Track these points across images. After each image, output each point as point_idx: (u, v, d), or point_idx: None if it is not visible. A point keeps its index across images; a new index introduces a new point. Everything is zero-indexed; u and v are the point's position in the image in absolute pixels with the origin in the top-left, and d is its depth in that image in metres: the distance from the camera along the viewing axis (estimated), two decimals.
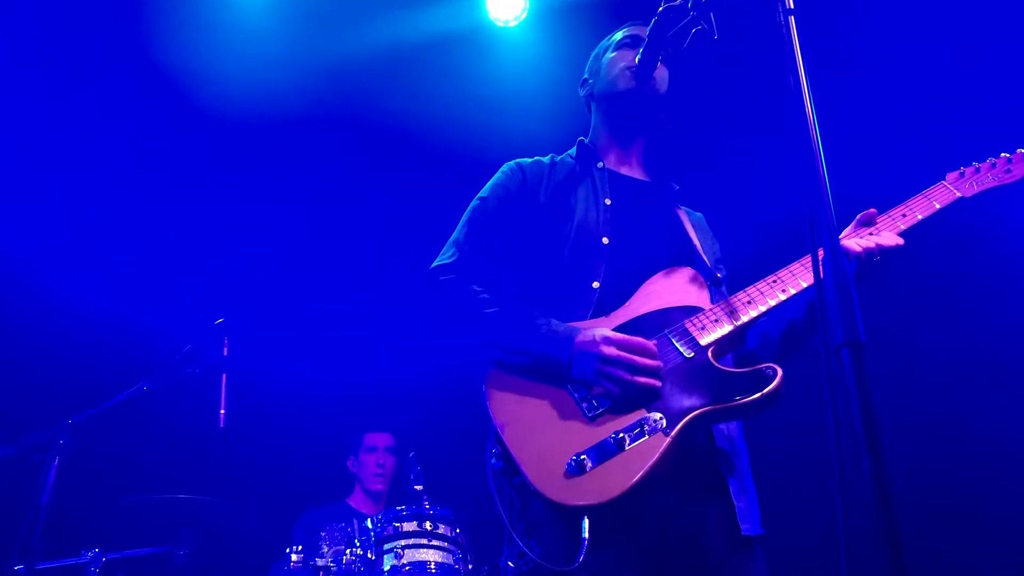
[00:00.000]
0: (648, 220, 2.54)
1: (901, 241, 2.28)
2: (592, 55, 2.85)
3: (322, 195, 5.68)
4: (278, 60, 5.08)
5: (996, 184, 2.44)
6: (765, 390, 2.05)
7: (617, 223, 2.48)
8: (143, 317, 5.14)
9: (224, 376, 3.54)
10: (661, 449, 2.01)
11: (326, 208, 5.69)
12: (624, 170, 2.67)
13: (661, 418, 2.06)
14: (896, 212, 2.38)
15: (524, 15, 5.15)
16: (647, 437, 2.03)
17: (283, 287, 5.60)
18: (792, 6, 1.72)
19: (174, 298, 5.27)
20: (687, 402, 2.09)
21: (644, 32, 2.62)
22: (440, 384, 5.10)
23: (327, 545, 4.45)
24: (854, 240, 2.28)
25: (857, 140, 4.50)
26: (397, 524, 3.92)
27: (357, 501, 5.14)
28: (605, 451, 2.02)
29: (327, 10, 4.99)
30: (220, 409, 3.47)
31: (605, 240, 2.42)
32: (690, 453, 2.10)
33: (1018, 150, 2.48)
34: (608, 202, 2.52)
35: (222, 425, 3.45)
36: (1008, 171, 2.46)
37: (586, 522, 1.94)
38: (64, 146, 5.15)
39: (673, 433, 2.04)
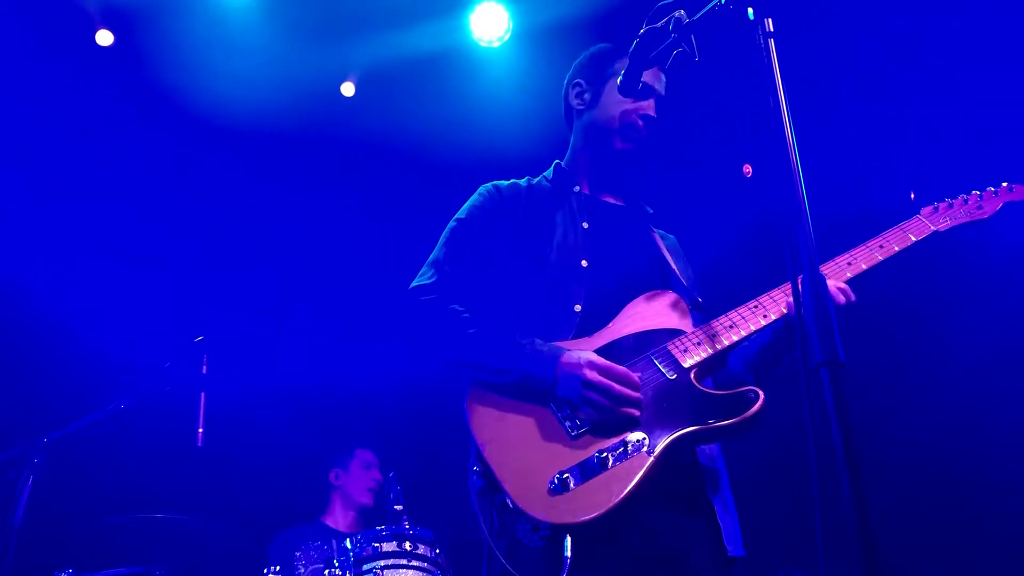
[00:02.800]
0: (625, 244, 2.56)
1: (844, 300, 2.30)
2: (591, 56, 2.75)
3: (304, 212, 5.67)
4: (262, 78, 5.08)
5: (967, 220, 2.55)
6: (747, 413, 2.07)
7: (595, 246, 2.49)
8: (121, 334, 5.10)
9: (203, 395, 3.51)
10: (644, 469, 2.01)
11: (308, 225, 5.69)
12: (601, 195, 2.69)
13: (644, 438, 2.07)
14: (874, 243, 2.45)
15: (507, 36, 5.18)
16: (630, 457, 2.04)
17: (261, 305, 5.57)
18: (772, 29, 1.74)
19: (152, 315, 5.22)
20: (670, 423, 2.10)
21: (656, 81, 2.60)
22: (420, 403, 5.09)
23: (303, 565, 4.41)
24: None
25: (837, 160, 4.55)
26: (376, 544, 3.88)
27: (334, 519, 5.04)
28: (588, 470, 2.02)
29: (314, 28, 5.00)
30: (198, 428, 3.44)
31: (584, 263, 2.44)
32: (675, 472, 2.11)
33: (988, 188, 2.59)
34: (585, 226, 2.54)
35: (200, 444, 3.42)
36: (979, 207, 2.56)
37: (568, 540, 1.93)
38: (40, 163, 5.12)
39: (656, 453, 2.04)
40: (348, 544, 3.96)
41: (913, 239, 2.46)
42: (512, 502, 2.01)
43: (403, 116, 5.32)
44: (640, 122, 2.59)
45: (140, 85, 5.06)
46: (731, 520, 2.21)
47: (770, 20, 1.74)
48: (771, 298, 2.34)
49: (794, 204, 1.58)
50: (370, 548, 3.88)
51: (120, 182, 5.27)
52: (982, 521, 4.46)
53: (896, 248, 2.44)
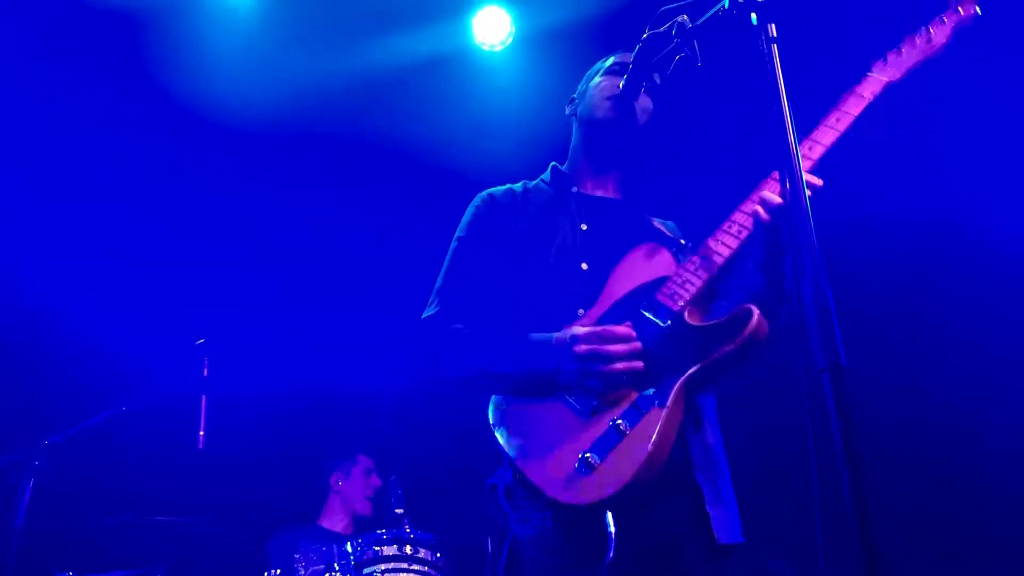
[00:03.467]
0: (623, 239, 2.55)
1: (818, 183, 2.19)
2: (585, 76, 2.85)
3: (306, 216, 5.67)
4: (262, 81, 5.08)
5: (922, 58, 2.35)
6: (745, 331, 2.05)
7: (594, 248, 2.50)
8: (122, 337, 5.10)
9: (204, 398, 3.52)
10: (660, 422, 2.02)
11: (309, 229, 5.69)
12: (599, 192, 2.69)
13: (653, 393, 2.08)
14: (830, 118, 2.29)
15: (509, 40, 5.19)
16: (645, 415, 2.05)
17: (263, 308, 5.57)
18: (775, 35, 1.75)
19: (154, 318, 5.23)
20: (674, 369, 2.10)
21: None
22: (422, 407, 5.09)
23: (303, 567, 4.41)
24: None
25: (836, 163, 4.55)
26: (377, 548, 3.89)
27: (331, 521, 5.01)
28: (608, 442, 2.04)
29: (316, 32, 5.00)
30: (199, 431, 3.44)
31: (584, 266, 2.45)
32: (665, 465, 2.10)
33: (935, 18, 2.37)
34: (584, 227, 2.55)
35: (201, 447, 3.43)
36: (929, 41, 2.36)
37: (609, 516, 1.96)
38: (40, 166, 5.12)
39: (668, 403, 2.05)
40: (349, 547, 3.96)
41: (868, 98, 2.30)
42: (549, 498, 2.03)
43: (405, 120, 5.32)
44: (616, 90, 2.57)
45: (141, 88, 5.05)
46: (725, 509, 2.21)
47: (773, 26, 1.75)
48: (741, 211, 2.28)
49: (797, 208, 1.59)
50: (371, 551, 3.88)
51: (120, 184, 5.27)
52: (984, 523, 4.46)
53: (853, 114, 2.28)
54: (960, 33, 2.34)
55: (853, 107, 2.29)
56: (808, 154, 2.23)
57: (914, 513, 4.43)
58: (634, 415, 2.06)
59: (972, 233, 4.56)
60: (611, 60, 2.76)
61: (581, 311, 2.35)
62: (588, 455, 2.02)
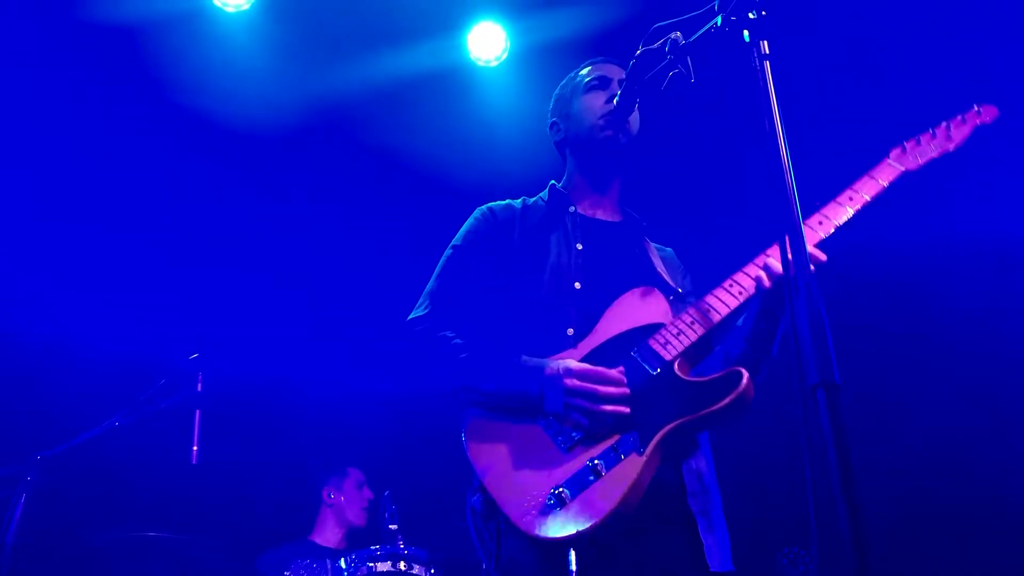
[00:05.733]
0: (618, 263, 2.56)
1: (822, 259, 2.22)
2: (555, 96, 2.84)
3: (300, 229, 5.67)
4: (257, 97, 5.09)
5: (940, 153, 2.41)
6: (732, 394, 2.05)
7: (588, 268, 2.50)
8: (116, 352, 5.08)
9: (198, 412, 3.50)
10: (637, 470, 2.01)
11: (301, 245, 5.68)
12: (597, 214, 2.69)
13: (634, 439, 2.07)
14: (843, 197, 2.33)
15: (504, 55, 5.21)
16: (622, 461, 2.04)
17: (256, 321, 5.56)
18: (767, 51, 1.76)
19: (147, 333, 5.21)
20: (658, 419, 2.09)
21: (609, 71, 2.66)
22: (414, 422, 5.08)
23: None
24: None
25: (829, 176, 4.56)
26: (371, 564, 3.87)
27: (323, 537, 4.98)
28: (582, 481, 2.03)
29: (312, 47, 5.01)
30: (193, 445, 3.43)
31: (577, 285, 2.45)
32: (658, 491, 2.11)
33: (955, 116, 2.45)
34: (580, 247, 2.54)
35: (195, 461, 3.41)
36: (949, 137, 2.43)
37: (572, 555, 1.94)
38: (32, 178, 5.11)
39: (647, 452, 2.04)
40: (343, 563, 3.94)
41: (883, 184, 2.35)
42: (513, 524, 2.01)
43: (401, 134, 5.34)
44: (608, 107, 2.57)
45: (137, 106, 5.05)
46: (717, 537, 2.20)
47: (765, 42, 1.76)
48: (744, 273, 2.30)
49: (790, 225, 1.59)
50: (364, 568, 3.86)
51: (112, 200, 5.25)
52: (979, 538, 4.45)
53: (867, 197, 2.32)
54: (979, 132, 2.41)
55: (868, 190, 2.34)
56: (818, 229, 2.27)
57: (908, 529, 4.42)
58: (612, 458, 2.05)
59: (968, 243, 4.57)
60: (585, 74, 2.74)
61: (570, 330, 2.36)
62: (561, 490, 2.01)
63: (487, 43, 5.17)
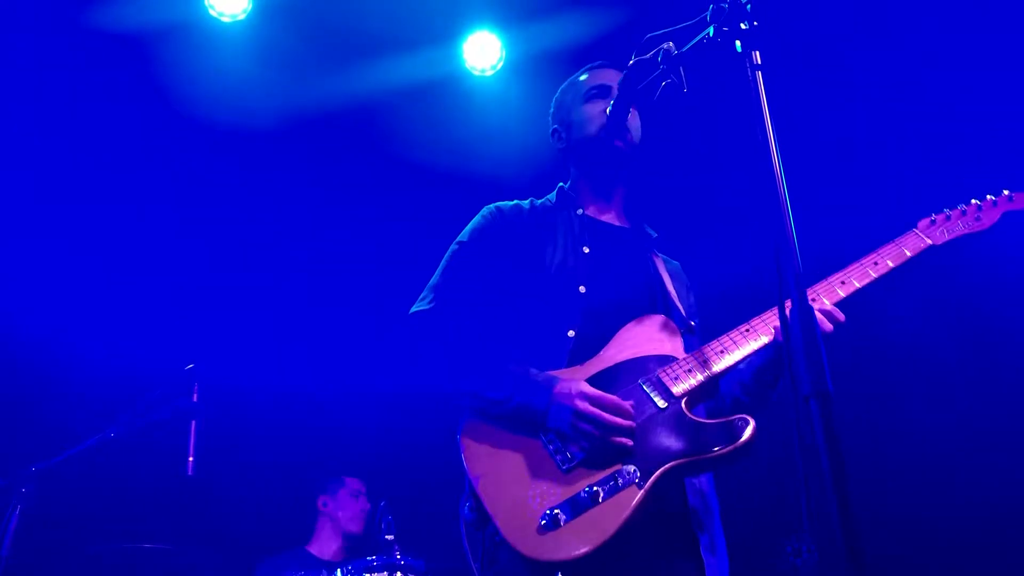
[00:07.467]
0: (625, 268, 2.55)
1: (832, 325, 2.24)
2: (556, 103, 2.86)
3: (296, 238, 5.67)
4: (254, 105, 5.09)
5: (967, 232, 2.44)
6: (737, 442, 2.05)
7: (594, 271, 2.49)
8: (111, 362, 5.06)
9: (193, 423, 3.48)
10: (635, 502, 2.00)
11: (297, 253, 5.68)
12: (604, 217, 2.68)
13: (635, 471, 2.06)
14: (867, 260, 2.37)
15: (500, 64, 5.22)
16: (621, 490, 2.02)
17: (252, 331, 5.55)
18: (759, 62, 1.76)
19: (142, 343, 5.20)
20: (660, 454, 2.08)
21: (608, 76, 2.66)
22: (410, 431, 5.07)
23: None
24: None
25: (826, 186, 4.58)
26: (367, 575, 3.85)
27: (319, 547, 4.96)
28: (579, 505, 2.01)
29: (309, 55, 5.03)
30: (188, 456, 3.41)
31: (582, 288, 2.44)
32: (662, 509, 2.10)
33: (988, 196, 2.49)
34: (586, 250, 2.53)
35: (191, 473, 3.39)
36: (978, 219, 2.46)
37: None
38: (26, 186, 5.10)
39: (647, 486, 2.03)
40: (339, 574, 3.93)
41: (909, 255, 2.38)
42: (503, 538, 1.99)
43: (396, 143, 5.34)
44: (605, 129, 2.59)
45: (133, 118, 5.06)
46: (718, 556, 2.19)
47: (757, 53, 1.76)
48: (763, 320, 2.32)
49: (782, 234, 1.59)
50: None
51: (107, 210, 5.25)
52: (973, 547, 4.44)
53: (891, 264, 2.36)
54: (1008, 217, 2.45)
55: (893, 258, 2.38)
56: (839, 288, 2.31)
57: (902, 537, 4.41)
58: (612, 487, 2.03)
59: (964, 251, 4.57)
60: (584, 81, 2.75)
61: (571, 332, 2.34)
62: (557, 512, 1.99)
63: (483, 52, 5.19)
